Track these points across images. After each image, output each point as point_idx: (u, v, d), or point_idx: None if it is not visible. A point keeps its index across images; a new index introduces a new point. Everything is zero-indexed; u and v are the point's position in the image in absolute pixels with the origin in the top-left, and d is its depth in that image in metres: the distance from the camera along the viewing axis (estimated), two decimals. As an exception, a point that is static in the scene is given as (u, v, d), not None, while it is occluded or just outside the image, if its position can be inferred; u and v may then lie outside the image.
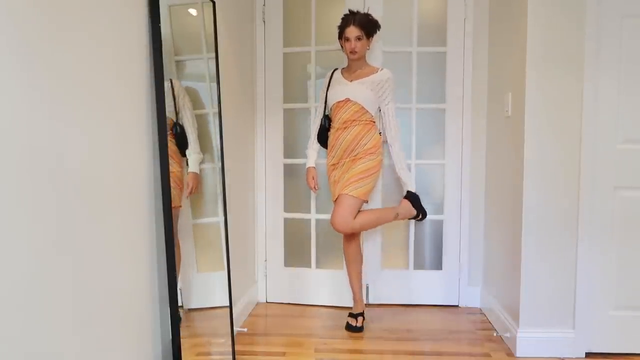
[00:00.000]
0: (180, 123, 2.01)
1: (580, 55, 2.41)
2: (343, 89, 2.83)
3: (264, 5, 3.25)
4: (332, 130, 2.87)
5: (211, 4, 2.32)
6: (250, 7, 3.19)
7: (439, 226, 3.31)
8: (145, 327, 1.80)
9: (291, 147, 3.35)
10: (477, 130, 3.21)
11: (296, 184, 3.37)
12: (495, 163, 3.03)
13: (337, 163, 2.83)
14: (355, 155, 2.78)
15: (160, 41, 1.80)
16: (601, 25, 2.40)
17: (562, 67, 2.42)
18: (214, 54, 2.32)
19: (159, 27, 1.81)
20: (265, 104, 3.30)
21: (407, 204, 2.90)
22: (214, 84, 2.33)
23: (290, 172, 3.36)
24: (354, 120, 2.78)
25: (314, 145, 2.99)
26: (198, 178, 2.17)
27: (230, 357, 2.32)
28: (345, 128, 2.79)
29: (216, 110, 2.34)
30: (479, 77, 3.19)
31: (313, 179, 2.98)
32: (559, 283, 2.48)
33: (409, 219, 2.98)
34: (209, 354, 2.23)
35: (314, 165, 2.99)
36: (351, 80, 2.84)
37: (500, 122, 2.90)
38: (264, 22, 3.26)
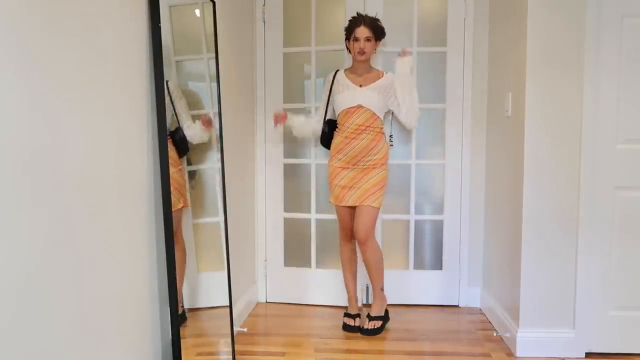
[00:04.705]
0: (181, 126, 2.01)
1: (580, 54, 2.41)
2: (354, 95, 2.81)
3: (264, 5, 3.25)
4: (340, 134, 2.85)
5: (211, 4, 2.32)
6: (250, 7, 3.19)
7: (439, 226, 3.30)
8: (145, 327, 1.80)
9: (291, 147, 3.34)
10: (477, 130, 3.20)
11: (296, 184, 3.37)
12: (495, 163, 3.02)
13: (347, 167, 2.83)
14: (367, 164, 2.79)
15: (160, 41, 1.80)
16: (601, 25, 2.40)
17: (562, 66, 2.42)
18: (214, 54, 2.32)
19: (159, 27, 1.80)
20: (265, 104, 3.30)
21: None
22: (214, 84, 2.33)
23: (290, 172, 3.35)
24: (367, 127, 2.78)
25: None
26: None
27: (230, 357, 2.32)
28: (358, 134, 2.78)
29: (216, 110, 2.34)
30: (479, 77, 3.19)
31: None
32: (559, 283, 2.48)
33: None
34: (209, 353, 2.24)
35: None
36: (360, 85, 2.83)
37: (500, 122, 2.90)
38: (264, 22, 3.26)
